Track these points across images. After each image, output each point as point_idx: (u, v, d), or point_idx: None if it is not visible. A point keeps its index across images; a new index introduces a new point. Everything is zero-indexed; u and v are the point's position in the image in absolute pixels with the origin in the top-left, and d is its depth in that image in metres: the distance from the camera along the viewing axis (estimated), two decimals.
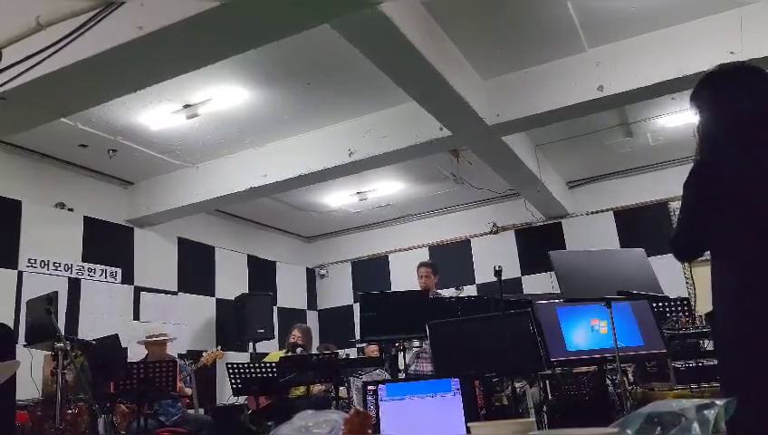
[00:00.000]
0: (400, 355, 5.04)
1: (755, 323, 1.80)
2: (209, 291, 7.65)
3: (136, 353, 5.85)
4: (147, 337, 5.67)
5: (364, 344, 6.72)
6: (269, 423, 5.30)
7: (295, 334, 6.21)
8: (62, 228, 6.04)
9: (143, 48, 3.21)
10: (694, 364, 4.00)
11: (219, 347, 6.59)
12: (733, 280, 1.88)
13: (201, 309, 7.45)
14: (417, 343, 5.10)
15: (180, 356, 6.27)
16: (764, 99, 1.94)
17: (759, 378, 1.76)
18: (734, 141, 1.93)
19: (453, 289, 6.50)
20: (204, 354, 6.13)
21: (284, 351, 6.11)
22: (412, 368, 5.09)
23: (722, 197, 1.90)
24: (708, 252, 2.00)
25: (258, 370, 4.92)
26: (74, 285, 5.99)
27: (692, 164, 2.03)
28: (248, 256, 8.42)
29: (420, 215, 8.82)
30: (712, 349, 4.05)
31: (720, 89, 2.02)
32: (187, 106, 5.17)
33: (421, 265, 5.88)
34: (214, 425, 5.55)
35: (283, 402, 5.31)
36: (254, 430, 5.30)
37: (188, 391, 5.60)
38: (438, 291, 5.85)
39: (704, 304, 2.93)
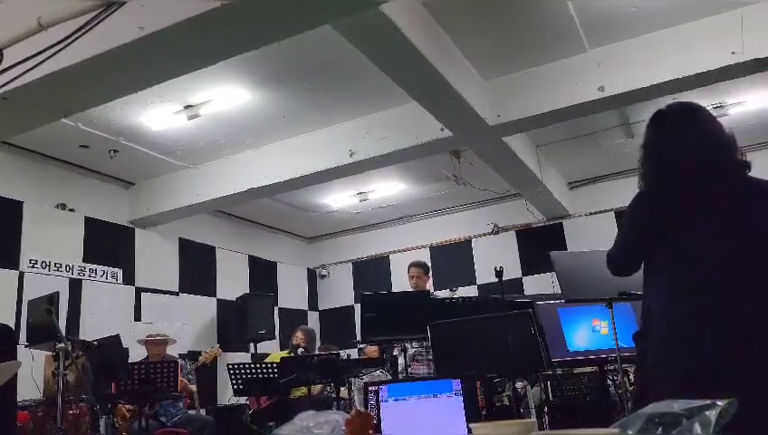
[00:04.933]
0: (400, 356, 5.03)
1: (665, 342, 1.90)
2: (210, 291, 7.65)
3: (137, 354, 5.86)
4: (147, 337, 5.68)
5: (365, 345, 6.72)
6: (270, 424, 5.30)
7: (298, 336, 6.21)
8: (64, 229, 6.04)
9: (144, 48, 3.21)
10: None
11: (218, 345, 6.59)
12: (657, 302, 1.98)
13: (202, 310, 7.45)
14: (415, 345, 5.08)
15: (181, 356, 6.27)
16: (704, 138, 2.07)
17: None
18: (674, 178, 2.07)
19: (447, 290, 6.49)
20: (202, 353, 6.13)
21: (287, 352, 6.12)
22: (409, 370, 5.08)
23: (657, 226, 2.04)
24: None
25: (259, 370, 4.92)
26: (75, 286, 5.99)
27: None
28: (249, 256, 8.42)
29: (421, 215, 8.82)
30: None
31: (663, 126, 2.17)
32: (188, 107, 5.17)
33: (412, 265, 5.80)
34: (215, 425, 5.55)
35: (283, 403, 5.32)
36: (255, 430, 5.30)
37: (194, 387, 5.61)
38: (435, 292, 5.84)
39: None
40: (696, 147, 2.06)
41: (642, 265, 2.11)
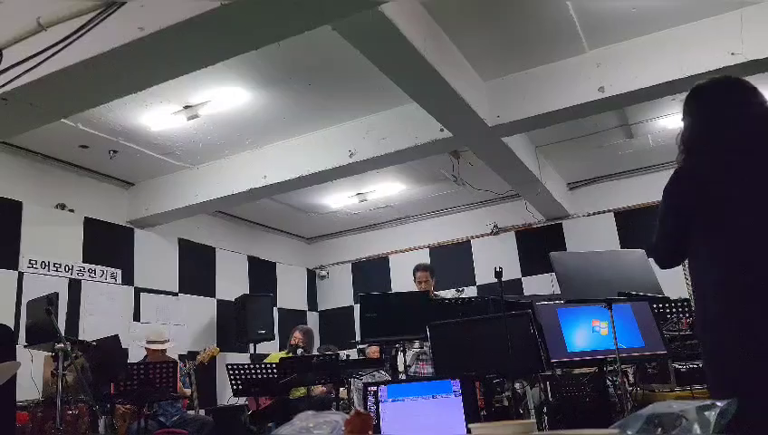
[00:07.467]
0: (400, 356, 5.03)
1: (730, 326, 1.83)
2: (210, 292, 7.65)
3: (136, 354, 5.86)
4: (147, 342, 5.66)
5: (365, 345, 6.71)
6: (269, 424, 5.30)
7: (296, 336, 6.21)
8: (63, 229, 6.04)
9: (144, 49, 3.21)
10: (694, 366, 4.00)
11: (215, 344, 6.58)
12: (710, 283, 1.91)
13: (201, 310, 7.45)
14: (417, 345, 5.09)
15: (181, 357, 6.27)
16: (745, 109, 1.99)
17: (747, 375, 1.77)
18: (715, 150, 1.99)
19: (453, 290, 6.46)
20: (200, 353, 6.13)
21: (285, 352, 6.11)
22: (412, 370, 5.08)
23: (701, 203, 1.95)
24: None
25: (259, 371, 4.92)
26: (75, 286, 5.99)
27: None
28: (249, 257, 8.42)
29: (421, 216, 8.82)
30: None
31: (704, 99, 2.10)
32: (187, 107, 5.17)
33: (418, 268, 5.76)
34: (214, 426, 5.54)
35: (283, 403, 5.31)
36: (255, 430, 5.30)
37: (187, 391, 5.60)
38: (437, 292, 5.82)
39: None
40: (736, 121, 1.97)
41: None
